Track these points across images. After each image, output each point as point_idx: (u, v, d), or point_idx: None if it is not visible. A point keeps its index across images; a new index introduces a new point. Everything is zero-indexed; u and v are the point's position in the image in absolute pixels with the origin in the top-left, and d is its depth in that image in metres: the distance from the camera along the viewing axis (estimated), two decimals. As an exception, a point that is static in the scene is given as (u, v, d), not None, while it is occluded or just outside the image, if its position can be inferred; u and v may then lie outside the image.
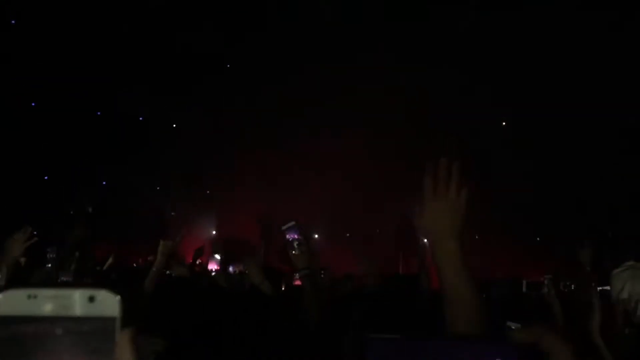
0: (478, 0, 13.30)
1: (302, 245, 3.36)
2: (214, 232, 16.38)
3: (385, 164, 13.88)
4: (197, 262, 6.65)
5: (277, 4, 13.92)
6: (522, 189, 14.02)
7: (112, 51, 13.31)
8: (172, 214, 16.50)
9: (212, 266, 4.96)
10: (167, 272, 4.00)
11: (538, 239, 15.34)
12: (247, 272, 3.74)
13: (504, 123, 15.66)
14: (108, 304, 0.69)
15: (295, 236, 3.40)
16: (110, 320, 0.68)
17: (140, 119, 15.47)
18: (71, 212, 13.66)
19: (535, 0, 12.86)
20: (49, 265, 4.48)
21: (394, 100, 13.73)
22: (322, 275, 5.98)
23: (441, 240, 1.53)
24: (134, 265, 11.00)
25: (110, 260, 7.21)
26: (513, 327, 2.65)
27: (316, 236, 15.12)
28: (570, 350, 1.16)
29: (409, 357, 0.93)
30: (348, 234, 16.50)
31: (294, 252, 3.34)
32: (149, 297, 3.29)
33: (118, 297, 0.69)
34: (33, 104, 13.57)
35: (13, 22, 12.68)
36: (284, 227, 3.46)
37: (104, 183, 14.91)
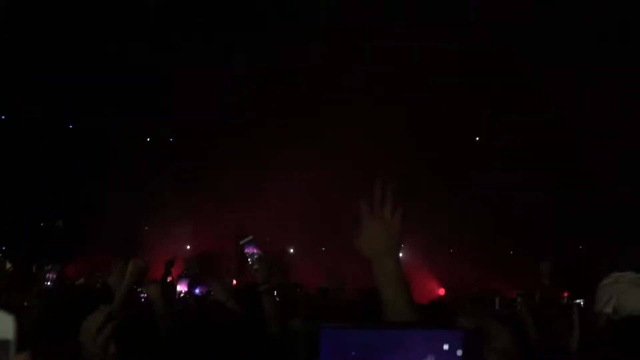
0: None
1: (261, 260, 3.33)
2: (188, 247, 16.20)
3: (359, 176, 13.88)
4: (168, 279, 6.53)
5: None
6: (499, 203, 14.16)
7: (88, 66, 13.18)
8: (146, 228, 16.29)
9: (182, 287, 4.86)
10: (139, 289, 3.91)
11: (511, 252, 15.49)
12: (212, 291, 3.68)
13: (477, 138, 15.84)
14: (1, 325, 0.62)
15: (255, 250, 3.37)
16: (3, 343, 0.61)
17: (113, 133, 15.28)
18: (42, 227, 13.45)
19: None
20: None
21: (369, 115, 13.79)
22: (299, 291, 5.93)
23: (379, 259, 1.61)
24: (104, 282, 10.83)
25: (81, 280, 7.05)
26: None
27: (291, 250, 15.07)
28: (508, 332, 1.26)
29: (362, 345, 0.98)
30: (323, 248, 16.46)
31: (254, 267, 3.32)
32: (118, 317, 3.19)
33: (11, 318, 0.62)
34: (2, 117, 13.33)
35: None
36: (242, 242, 3.43)
37: (76, 198, 14.63)
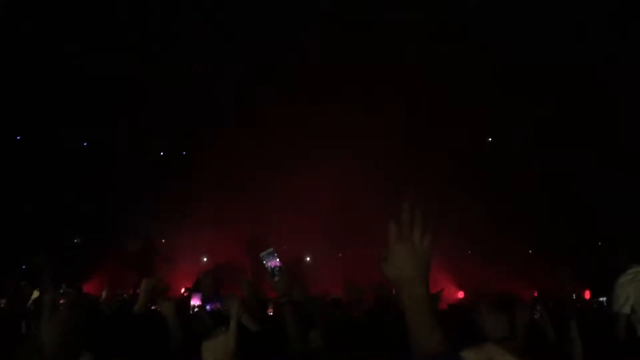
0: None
1: (282, 272, 3.31)
2: (205, 259, 16.25)
3: (377, 181, 13.86)
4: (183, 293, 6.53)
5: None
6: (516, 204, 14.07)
7: (100, 80, 13.29)
8: (163, 241, 16.36)
9: (195, 301, 4.85)
10: (152, 307, 3.93)
11: (530, 251, 15.36)
12: (225, 307, 3.67)
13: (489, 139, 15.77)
14: None
15: (274, 263, 3.35)
16: None
17: (126, 147, 15.39)
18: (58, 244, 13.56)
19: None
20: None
21: (390, 122, 13.77)
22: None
23: (408, 285, 1.54)
24: (124, 296, 10.91)
25: (104, 294, 7.06)
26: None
27: (308, 259, 15.06)
28: None
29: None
30: (340, 254, 16.42)
31: (274, 279, 3.29)
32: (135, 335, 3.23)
33: None
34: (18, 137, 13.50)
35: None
36: (261, 254, 3.41)
37: (92, 214, 14.73)
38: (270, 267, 3.35)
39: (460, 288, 14.60)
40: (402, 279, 1.54)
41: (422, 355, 1.49)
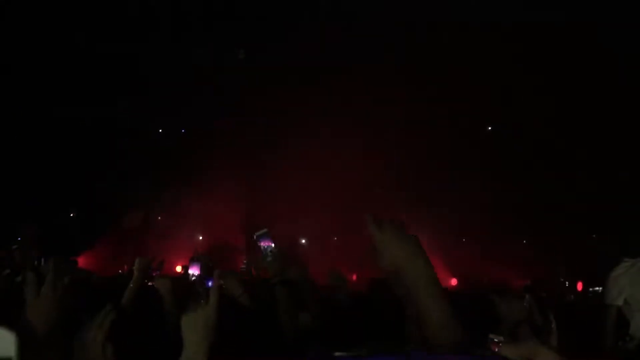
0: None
1: (275, 253, 3.31)
2: (200, 237, 16.29)
3: (377, 166, 13.83)
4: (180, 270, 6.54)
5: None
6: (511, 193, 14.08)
7: (100, 58, 13.23)
8: (159, 218, 16.41)
9: (194, 270, 4.79)
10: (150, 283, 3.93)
11: (524, 241, 15.41)
12: (224, 285, 3.66)
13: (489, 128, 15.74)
14: (2, 343, 0.62)
15: (269, 243, 3.35)
16: None
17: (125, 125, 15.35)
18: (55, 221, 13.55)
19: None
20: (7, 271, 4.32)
21: (389, 109, 13.74)
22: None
23: (409, 264, 1.50)
24: (119, 271, 10.94)
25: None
26: (496, 340, 2.61)
27: (303, 241, 15.09)
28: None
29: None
30: (335, 238, 16.45)
31: (267, 259, 3.29)
32: (129, 314, 3.22)
33: (14, 336, 0.63)
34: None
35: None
36: (256, 234, 3.40)
37: (88, 190, 14.71)
38: (264, 248, 3.35)
39: (454, 275, 14.65)
40: (400, 259, 1.50)
41: (438, 346, 1.42)
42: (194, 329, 1.81)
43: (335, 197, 14.12)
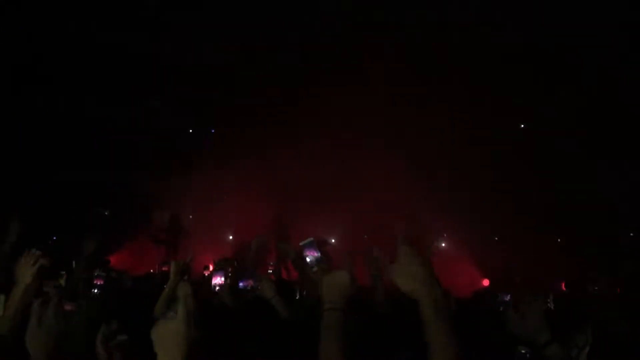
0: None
1: (322, 263, 3.21)
2: (231, 237, 16.34)
3: (408, 167, 13.71)
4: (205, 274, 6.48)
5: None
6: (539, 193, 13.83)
7: (132, 57, 13.39)
8: (190, 217, 16.50)
9: (217, 279, 4.68)
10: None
11: (559, 240, 15.09)
12: (259, 287, 3.62)
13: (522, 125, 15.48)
14: None
15: (315, 253, 3.26)
16: None
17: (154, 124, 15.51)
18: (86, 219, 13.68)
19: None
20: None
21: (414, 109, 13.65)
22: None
23: (426, 289, 1.66)
24: (151, 271, 11.04)
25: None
26: (523, 352, 2.56)
27: (332, 241, 15.00)
28: None
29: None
30: (365, 236, 16.32)
31: (313, 269, 3.19)
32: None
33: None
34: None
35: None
36: (301, 244, 3.30)
37: (120, 187, 14.88)
38: (311, 258, 3.24)
39: (486, 276, 14.44)
40: (418, 285, 1.64)
41: None
42: (162, 346, 1.62)
43: (365, 197, 14.05)
